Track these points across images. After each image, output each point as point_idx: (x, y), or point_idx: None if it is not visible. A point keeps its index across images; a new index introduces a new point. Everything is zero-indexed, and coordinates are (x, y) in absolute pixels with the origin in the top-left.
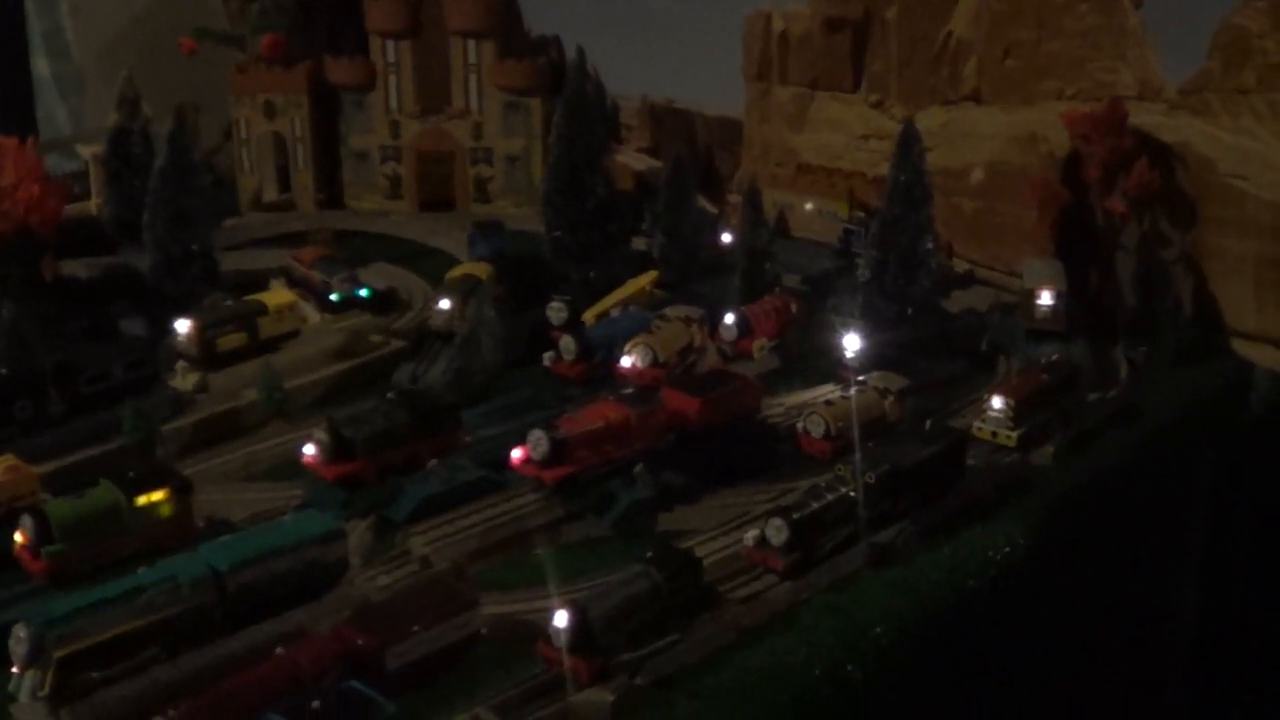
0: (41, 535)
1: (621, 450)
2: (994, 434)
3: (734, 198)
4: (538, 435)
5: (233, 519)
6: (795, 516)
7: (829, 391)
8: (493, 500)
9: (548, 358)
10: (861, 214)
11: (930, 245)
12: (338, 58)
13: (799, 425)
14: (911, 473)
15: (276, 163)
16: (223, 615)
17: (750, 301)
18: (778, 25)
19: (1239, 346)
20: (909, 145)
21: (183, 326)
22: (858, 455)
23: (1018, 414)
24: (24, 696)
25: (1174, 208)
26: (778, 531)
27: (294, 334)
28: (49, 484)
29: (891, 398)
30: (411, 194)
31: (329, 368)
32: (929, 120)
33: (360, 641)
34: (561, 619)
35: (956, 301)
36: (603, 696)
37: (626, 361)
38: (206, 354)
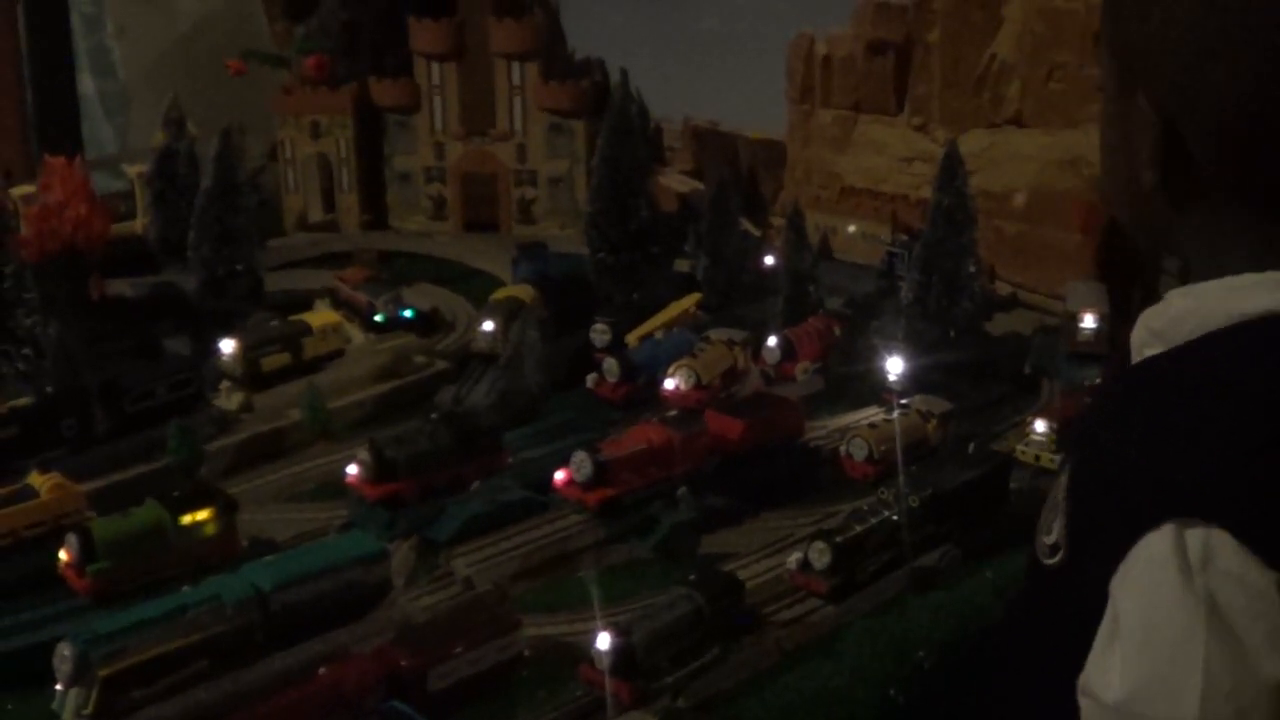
0: (86, 553)
1: (665, 473)
2: (1037, 457)
3: (777, 220)
4: (581, 457)
5: (277, 538)
6: (838, 540)
7: (872, 415)
8: (535, 522)
9: (591, 380)
10: (905, 237)
11: (973, 268)
12: (382, 79)
13: (841, 448)
14: (955, 496)
15: (321, 183)
16: (266, 635)
17: (793, 324)
18: (820, 48)
19: None
20: (952, 168)
21: (227, 346)
22: (901, 478)
23: (1060, 437)
24: (68, 715)
25: None
26: (820, 554)
27: (338, 354)
28: (95, 502)
29: (934, 421)
30: (456, 215)
31: (373, 388)
32: (972, 143)
33: (403, 662)
34: (604, 641)
35: (999, 324)
36: (644, 719)
37: (670, 384)
38: (251, 374)
